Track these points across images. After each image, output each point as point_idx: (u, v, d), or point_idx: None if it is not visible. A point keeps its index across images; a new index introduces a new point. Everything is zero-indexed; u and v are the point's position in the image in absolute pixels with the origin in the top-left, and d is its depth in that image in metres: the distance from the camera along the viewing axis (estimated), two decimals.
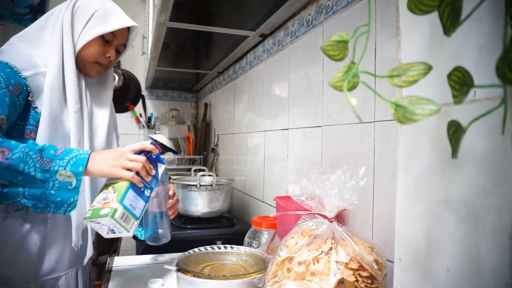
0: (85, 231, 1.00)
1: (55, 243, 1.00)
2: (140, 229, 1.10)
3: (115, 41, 1.01)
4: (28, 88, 0.89)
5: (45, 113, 0.90)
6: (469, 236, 0.35)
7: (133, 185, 0.82)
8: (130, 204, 0.80)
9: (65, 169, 0.78)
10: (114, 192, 0.79)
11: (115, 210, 0.76)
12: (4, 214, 0.92)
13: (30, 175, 0.76)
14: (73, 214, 0.95)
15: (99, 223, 0.77)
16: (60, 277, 1.02)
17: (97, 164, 0.81)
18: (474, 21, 0.34)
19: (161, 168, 0.91)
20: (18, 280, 0.94)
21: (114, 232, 0.79)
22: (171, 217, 0.96)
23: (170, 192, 0.94)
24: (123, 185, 0.81)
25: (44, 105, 0.90)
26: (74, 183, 0.79)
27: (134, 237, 1.34)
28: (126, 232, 0.79)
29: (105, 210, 0.76)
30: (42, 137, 0.89)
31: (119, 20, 0.99)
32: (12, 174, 0.75)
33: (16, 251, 0.93)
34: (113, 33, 0.99)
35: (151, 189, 0.87)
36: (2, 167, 0.74)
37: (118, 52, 1.05)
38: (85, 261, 1.04)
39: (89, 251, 1.02)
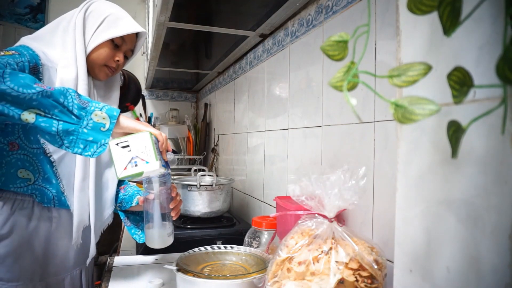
0: (87, 229, 1.01)
1: (60, 242, 1.00)
2: (139, 232, 1.10)
3: (124, 46, 1.03)
4: (40, 75, 0.91)
5: None
6: (469, 236, 0.35)
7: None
8: (156, 145, 0.79)
9: (101, 110, 0.79)
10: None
11: (151, 133, 0.75)
12: (10, 212, 0.93)
13: (68, 109, 0.76)
14: (75, 211, 0.96)
15: (127, 146, 0.74)
16: (66, 277, 1.02)
17: (125, 119, 0.82)
18: (474, 21, 0.34)
19: (167, 169, 0.90)
20: (24, 279, 0.94)
21: (136, 166, 0.74)
22: (174, 218, 0.96)
23: (173, 193, 0.94)
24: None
25: None
26: (107, 126, 0.78)
27: None
28: (151, 161, 0.74)
29: (141, 131, 0.75)
30: None
31: (129, 25, 1.02)
32: (51, 104, 0.75)
33: (22, 250, 0.94)
34: (122, 38, 1.02)
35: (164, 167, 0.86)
36: (44, 95, 0.74)
37: (126, 57, 1.07)
38: (88, 261, 1.05)
39: (92, 251, 1.02)
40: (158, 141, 0.84)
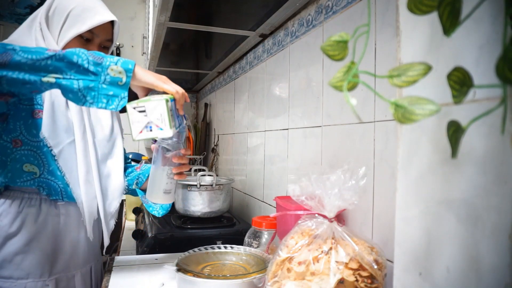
0: (96, 223, 1.02)
1: (69, 238, 1.01)
2: (158, 208, 1.10)
3: (96, 39, 0.99)
4: None
5: (47, 104, 0.93)
6: (469, 236, 0.35)
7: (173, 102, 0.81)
8: (172, 109, 0.79)
9: (116, 64, 0.78)
10: (161, 96, 0.79)
11: (168, 100, 0.76)
12: (18, 210, 0.94)
13: (84, 67, 0.76)
14: (84, 204, 0.97)
15: (143, 111, 0.76)
16: (76, 273, 1.03)
17: (143, 72, 0.82)
18: (474, 21, 0.34)
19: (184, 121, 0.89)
20: (33, 276, 0.95)
21: (151, 131, 0.76)
22: (177, 178, 0.95)
23: (183, 150, 0.93)
24: (167, 95, 0.80)
25: (46, 97, 0.93)
26: (124, 79, 0.79)
27: (134, 237, 1.34)
28: (165, 129, 0.76)
29: (159, 97, 0.75)
30: (46, 127, 0.92)
31: (96, 17, 0.97)
32: (66, 65, 0.76)
33: (31, 247, 0.95)
34: (91, 31, 0.97)
35: (180, 126, 0.86)
36: (57, 58, 0.75)
37: (106, 48, 1.04)
38: (104, 250, 1.08)
39: (106, 240, 1.04)
40: (174, 100, 0.82)
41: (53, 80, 0.75)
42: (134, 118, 0.76)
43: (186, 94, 0.88)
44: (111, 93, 0.78)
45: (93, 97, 0.77)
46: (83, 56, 0.77)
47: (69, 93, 0.77)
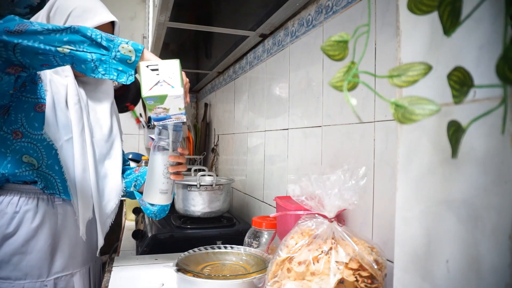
0: (94, 224, 1.01)
1: (67, 238, 1.01)
2: (155, 211, 1.09)
3: None
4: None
5: (49, 99, 0.94)
6: (469, 236, 0.35)
7: None
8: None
9: (127, 44, 0.82)
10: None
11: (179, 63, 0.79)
12: (15, 210, 0.94)
13: (97, 41, 0.80)
14: (79, 203, 0.97)
15: (156, 69, 0.78)
16: (74, 274, 1.03)
17: (151, 55, 0.85)
18: (474, 21, 0.34)
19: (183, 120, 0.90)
20: (31, 276, 0.95)
21: (161, 87, 0.78)
22: (174, 178, 0.95)
23: (179, 149, 0.94)
24: None
25: (48, 92, 0.95)
26: (133, 58, 0.82)
27: (134, 237, 1.34)
28: (176, 87, 0.77)
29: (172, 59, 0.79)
30: (47, 121, 0.93)
31: (96, 17, 0.99)
32: (80, 39, 0.79)
33: (28, 246, 0.95)
34: None
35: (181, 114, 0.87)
36: (72, 30, 0.79)
37: None
38: (98, 252, 1.06)
39: (100, 241, 1.04)
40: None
41: (67, 50, 0.78)
42: (145, 75, 0.77)
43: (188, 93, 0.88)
44: (120, 68, 0.81)
45: (105, 69, 0.80)
46: (97, 32, 0.80)
47: (82, 64, 0.80)
